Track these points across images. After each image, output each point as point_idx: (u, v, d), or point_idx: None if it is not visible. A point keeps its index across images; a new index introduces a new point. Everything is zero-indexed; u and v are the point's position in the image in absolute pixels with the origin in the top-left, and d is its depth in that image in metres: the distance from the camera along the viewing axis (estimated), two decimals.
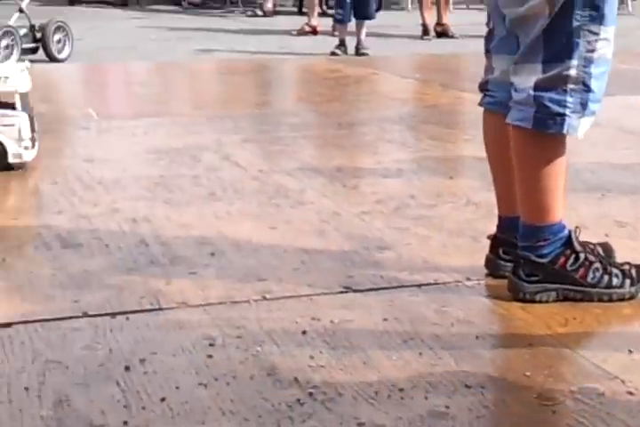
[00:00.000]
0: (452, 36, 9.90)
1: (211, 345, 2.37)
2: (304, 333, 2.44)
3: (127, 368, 2.25)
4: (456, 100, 5.86)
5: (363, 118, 5.22)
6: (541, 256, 2.63)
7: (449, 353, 2.32)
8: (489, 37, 2.75)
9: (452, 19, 10.27)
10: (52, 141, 4.55)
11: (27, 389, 2.15)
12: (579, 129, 2.51)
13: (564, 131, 2.51)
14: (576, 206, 3.42)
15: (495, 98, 2.73)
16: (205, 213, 3.51)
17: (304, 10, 11.05)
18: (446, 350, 2.34)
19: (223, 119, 5.22)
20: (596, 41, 2.47)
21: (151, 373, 2.23)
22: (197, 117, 5.19)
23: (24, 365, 2.28)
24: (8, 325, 2.53)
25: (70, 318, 2.58)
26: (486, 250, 2.84)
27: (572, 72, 2.47)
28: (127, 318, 2.59)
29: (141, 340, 2.41)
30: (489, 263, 2.84)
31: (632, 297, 2.66)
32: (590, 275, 2.65)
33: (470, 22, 9.61)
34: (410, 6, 12.23)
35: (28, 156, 4.03)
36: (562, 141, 2.56)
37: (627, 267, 2.70)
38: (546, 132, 2.51)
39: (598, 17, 2.46)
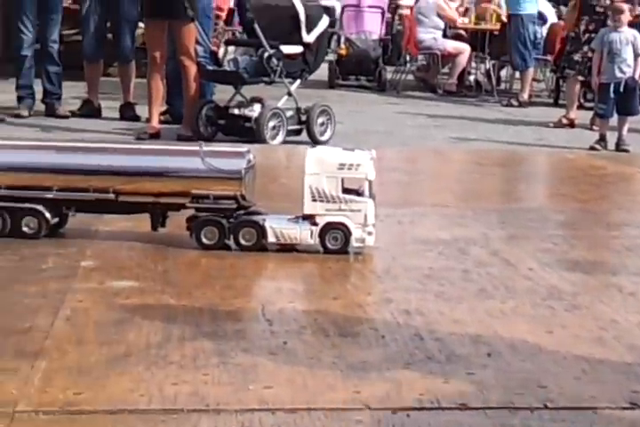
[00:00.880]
0: None
1: None
2: None
3: None
4: None
5: (633, 220, 5.09)
6: None
7: None
8: None
9: None
10: None
11: None
12: None
13: None
14: None
15: None
16: (478, 309, 3.49)
17: (560, 101, 10.97)
18: None
19: (488, 212, 5.21)
20: None
21: None
22: (462, 209, 5.20)
23: None
24: (293, 411, 2.59)
25: (352, 409, 2.61)
26: None
27: None
28: (408, 416, 2.59)
29: None
30: None
31: None
32: None
33: None
34: None
35: (370, 241, 4.12)
36: None
37: None
38: None
39: None
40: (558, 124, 9.80)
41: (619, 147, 8.37)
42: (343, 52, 12.27)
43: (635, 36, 8.75)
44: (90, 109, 8.92)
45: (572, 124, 9.81)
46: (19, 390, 2.63)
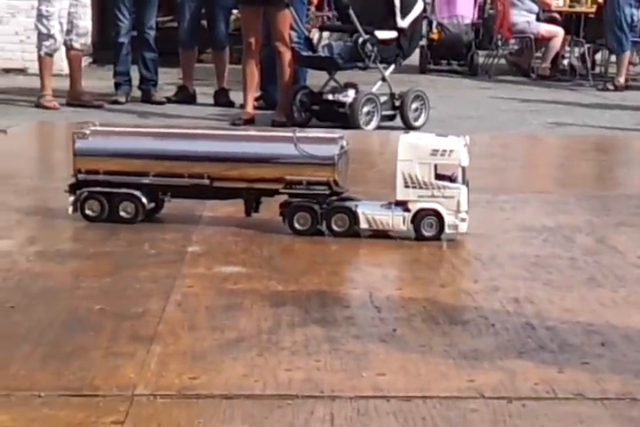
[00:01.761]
0: None
1: None
2: None
3: None
4: None
5: None
6: None
7: None
8: None
9: None
10: None
11: None
12: None
13: None
14: None
15: None
16: (588, 298, 3.44)
17: None
18: None
19: (591, 199, 5.13)
20: None
21: None
22: (564, 196, 5.12)
23: None
24: (408, 398, 2.58)
25: (467, 398, 2.60)
26: None
27: None
28: (523, 405, 2.57)
29: None
30: None
31: None
32: None
33: None
34: None
35: (463, 227, 4.09)
36: None
37: None
38: None
39: None
40: None
41: None
42: (435, 36, 12.18)
43: None
44: (185, 95, 9.02)
45: None
46: (136, 374, 2.67)
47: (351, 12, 7.92)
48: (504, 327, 3.11)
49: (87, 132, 4.29)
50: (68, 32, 8.41)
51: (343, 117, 7.86)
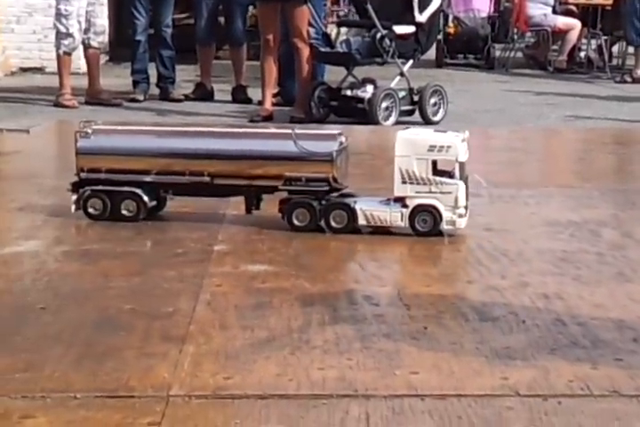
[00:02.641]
0: None
1: None
2: None
3: None
4: None
5: None
6: None
7: None
8: None
9: None
10: None
11: None
12: None
13: None
14: None
15: None
16: (618, 293, 3.43)
17: None
18: None
19: (615, 192, 5.11)
20: None
21: None
22: (588, 190, 5.11)
23: None
24: (443, 397, 2.58)
25: (502, 396, 2.59)
26: None
27: None
28: (559, 403, 2.56)
29: None
30: None
31: None
32: None
33: None
34: None
35: (461, 223, 4.09)
36: None
37: None
38: None
39: None
40: None
41: None
42: (451, 30, 12.16)
43: None
44: (203, 93, 9.02)
45: None
46: (170, 374, 2.67)
47: (369, 7, 7.91)
48: (535, 324, 3.10)
49: (89, 130, 4.32)
50: (86, 31, 8.41)
51: (362, 113, 7.85)
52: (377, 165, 5.48)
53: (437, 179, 4.06)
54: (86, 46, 8.54)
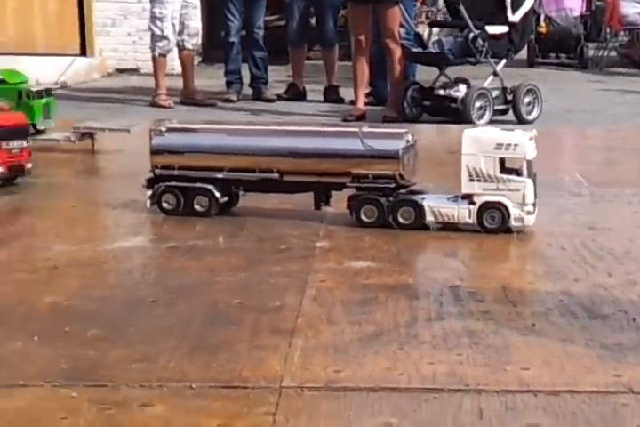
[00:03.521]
0: None
1: None
2: None
3: None
4: None
5: None
6: None
7: None
8: None
9: None
10: (547, 207, 4.57)
11: None
12: None
13: None
14: None
15: None
16: None
17: None
18: None
19: None
20: None
21: None
22: None
23: None
24: (555, 393, 2.56)
25: (616, 393, 2.57)
26: None
27: None
28: None
29: None
30: None
31: None
32: None
33: None
34: None
35: (529, 220, 4.10)
36: None
37: None
38: None
39: None
40: None
41: None
42: (543, 30, 12.03)
43: None
44: (295, 93, 9.06)
45: None
46: (281, 366, 2.70)
47: (461, 7, 7.87)
48: None
49: (163, 129, 4.45)
50: (180, 33, 8.52)
51: (455, 112, 7.81)
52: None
53: (505, 176, 4.09)
54: (180, 48, 8.65)
